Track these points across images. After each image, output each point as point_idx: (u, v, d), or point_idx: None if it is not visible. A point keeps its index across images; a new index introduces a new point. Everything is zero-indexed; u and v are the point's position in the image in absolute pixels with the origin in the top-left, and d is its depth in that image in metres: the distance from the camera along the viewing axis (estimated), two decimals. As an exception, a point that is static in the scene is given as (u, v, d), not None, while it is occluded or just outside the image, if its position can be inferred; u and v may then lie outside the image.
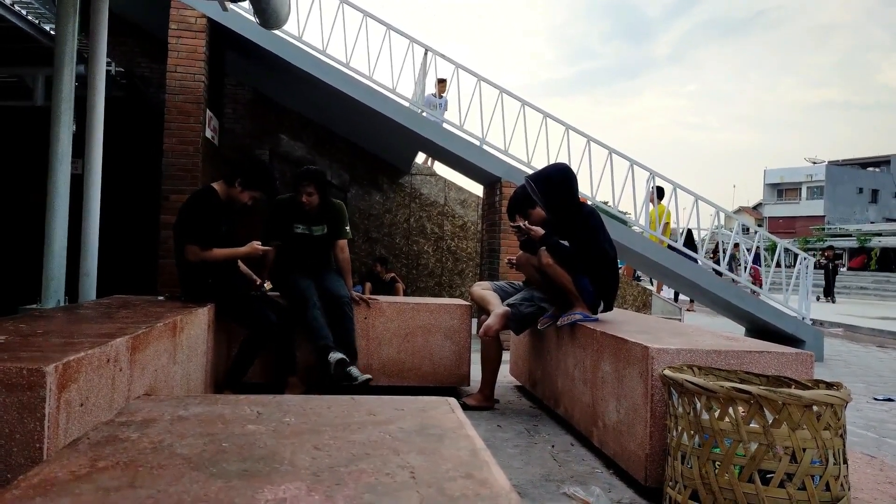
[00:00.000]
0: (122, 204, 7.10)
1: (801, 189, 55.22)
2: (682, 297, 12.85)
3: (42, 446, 1.78)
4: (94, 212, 4.98)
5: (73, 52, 4.60)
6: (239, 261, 4.01)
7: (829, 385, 2.21)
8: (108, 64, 6.57)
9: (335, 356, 3.93)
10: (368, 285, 8.64)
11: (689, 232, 9.19)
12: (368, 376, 3.98)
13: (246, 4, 6.67)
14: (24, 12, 6.84)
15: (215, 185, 3.88)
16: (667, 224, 9.06)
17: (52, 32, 6.47)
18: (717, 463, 2.05)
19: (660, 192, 9.10)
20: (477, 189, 9.56)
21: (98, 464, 1.16)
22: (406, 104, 7.41)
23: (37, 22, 7.08)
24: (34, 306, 4.55)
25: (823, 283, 19.94)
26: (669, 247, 8.02)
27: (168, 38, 6.58)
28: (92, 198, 4.97)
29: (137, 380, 2.59)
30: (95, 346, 2.16)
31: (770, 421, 1.98)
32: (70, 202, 4.58)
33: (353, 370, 3.96)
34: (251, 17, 6.44)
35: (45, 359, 1.88)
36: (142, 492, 1.05)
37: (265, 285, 3.98)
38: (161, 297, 4.06)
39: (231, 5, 6.48)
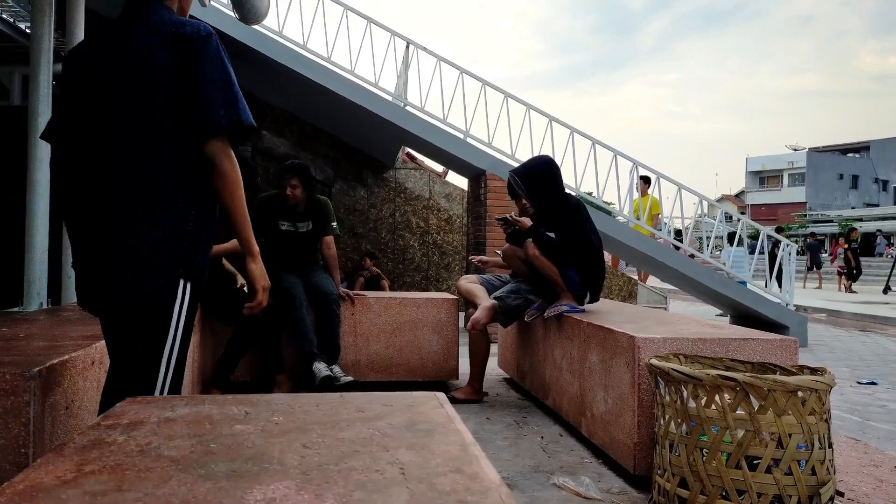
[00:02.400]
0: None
1: (782, 176, 55.76)
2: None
3: (27, 451, 1.76)
4: (76, 212, 4.92)
5: (50, 50, 4.54)
6: (223, 258, 3.99)
7: (814, 370, 2.24)
8: (86, 62, 6.46)
9: (321, 370, 3.92)
10: (361, 280, 8.60)
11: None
12: (350, 378, 3.98)
13: None
14: (-2, 11, 6.74)
15: None
16: (655, 214, 9.11)
17: (28, 31, 6.37)
18: (705, 450, 2.07)
19: (646, 181, 9.15)
20: (462, 182, 9.55)
21: (84, 468, 1.15)
22: (389, 98, 7.38)
23: (12, 20, 6.98)
24: (16, 309, 4.50)
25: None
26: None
27: (146, 35, 6.49)
28: (73, 198, 4.92)
29: (123, 381, 2.56)
30: (80, 349, 2.14)
31: (756, 407, 2.00)
32: (50, 203, 4.53)
33: (336, 371, 3.95)
34: (230, 13, 6.38)
35: (29, 363, 1.86)
36: (129, 495, 1.04)
37: (245, 288, 3.94)
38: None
39: (210, 0, 6.42)
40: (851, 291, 16.99)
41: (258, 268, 1.88)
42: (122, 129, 1.71)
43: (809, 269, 19.00)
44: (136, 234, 1.70)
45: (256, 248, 1.88)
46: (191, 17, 1.91)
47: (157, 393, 1.76)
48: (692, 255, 8.19)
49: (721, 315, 10.55)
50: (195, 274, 1.79)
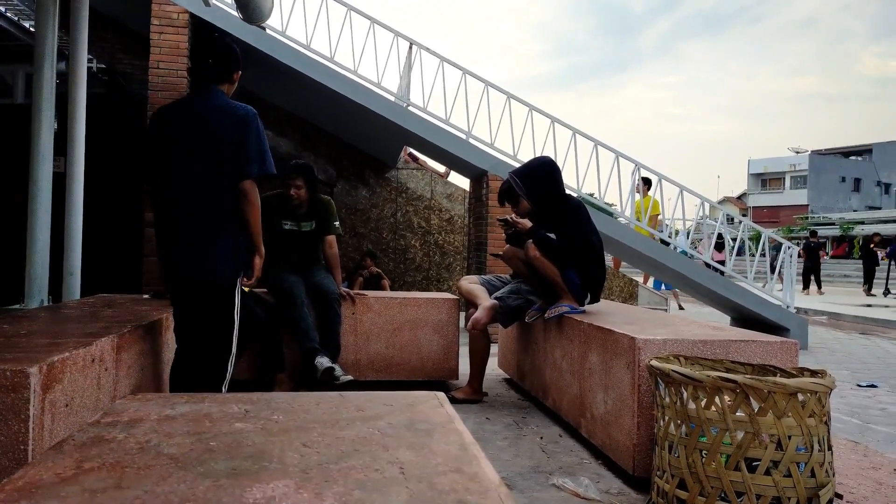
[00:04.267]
0: (106, 202, 7.03)
1: (784, 178, 55.65)
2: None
3: (27, 448, 1.76)
4: (77, 210, 4.94)
5: (54, 48, 4.55)
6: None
7: (814, 373, 2.24)
8: (90, 60, 6.49)
9: (323, 363, 3.93)
10: (360, 280, 8.61)
11: None
12: (350, 377, 3.99)
13: (228, -1, 6.61)
14: (2, 9, 6.75)
15: None
16: (655, 216, 9.11)
17: (32, 29, 6.39)
18: (704, 452, 2.07)
19: (647, 183, 9.15)
20: (463, 182, 9.55)
21: (84, 465, 1.16)
22: (391, 98, 7.38)
23: (16, 19, 6.99)
24: (17, 306, 4.51)
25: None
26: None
27: (150, 34, 6.51)
28: (75, 196, 4.93)
29: (123, 379, 2.57)
30: (80, 347, 2.14)
31: (756, 409, 2.00)
32: (53, 200, 4.53)
33: (337, 370, 3.96)
34: (234, 12, 6.38)
35: (29, 360, 1.86)
36: (129, 493, 1.05)
37: (245, 288, 3.93)
38: (146, 296, 4.04)
39: (214, 0, 6.42)
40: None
41: (260, 262, 2.87)
42: (208, 176, 2.69)
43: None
44: (217, 242, 2.72)
45: (262, 249, 2.86)
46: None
47: (232, 350, 2.82)
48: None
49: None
50: (243, 266, 2.83)
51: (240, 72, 2.90)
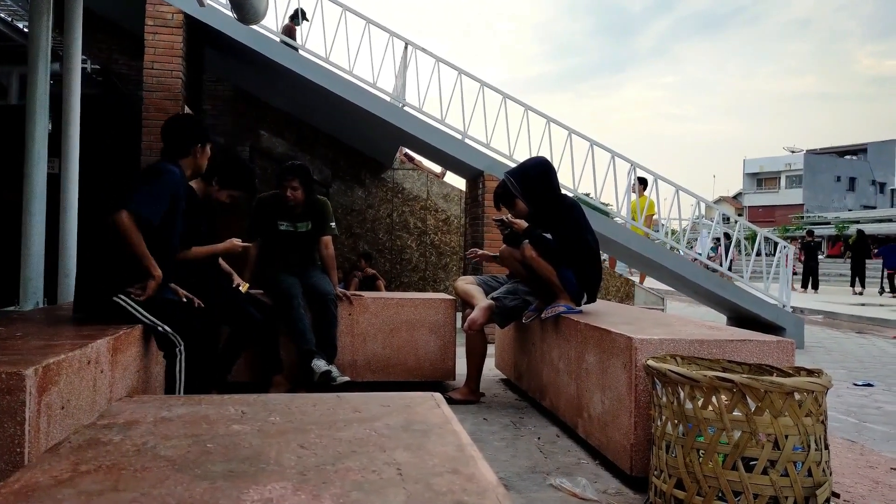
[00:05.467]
0: (100, 203, 7.01)
1: (780, 178, 55.83)
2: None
3: (23, 451, 1.76)
4: (72, 211, 4.92)
5: (48, 49, 4.54)
6: (220, 258, 3.98)
7: (810, 372, 2.24)
8: (84, 61, 6.48)
9: (320, 367, 3.92)
10: (356, 281, 8.60)
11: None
12: (347, 378, 3.98)
13: (223, -1, 6.60)
14: (-4, 10, 6.73)
15: (192, 184, 3.83)
16: (650, 216, 9.12)
17: (26, 30, 6.36)
18: (702, 451, 2.07)
19: (643, 183, 9.16)
20: (460, 183, 9.55)
21: (80, 468, 1.15)
22: (387, 98, 7.38)
23: (10, 20, 6.97)
24: (12, 308, 4.49)
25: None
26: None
27: (144, 35, 6.49)
28: (69, 197, 4.91)
29: (119, 381, 2.56)
30: (76, 349, 2.13)
31: (753, 409, 2.00)
32: (47, 202, 4.52)
33: (334, 371, 3.96)
34: (229, 13, 6.38)
35: (25, 362, 1.85)
36: (125, 495, 1.04)
37: (241, 287, 3.93)
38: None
39: (208, 0, 6.41)
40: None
41: (154, 284, 2.83)
42: None
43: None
44: None
45: (153, 272, 2.83)
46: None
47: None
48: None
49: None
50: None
51: (200, 145, 3.12)
